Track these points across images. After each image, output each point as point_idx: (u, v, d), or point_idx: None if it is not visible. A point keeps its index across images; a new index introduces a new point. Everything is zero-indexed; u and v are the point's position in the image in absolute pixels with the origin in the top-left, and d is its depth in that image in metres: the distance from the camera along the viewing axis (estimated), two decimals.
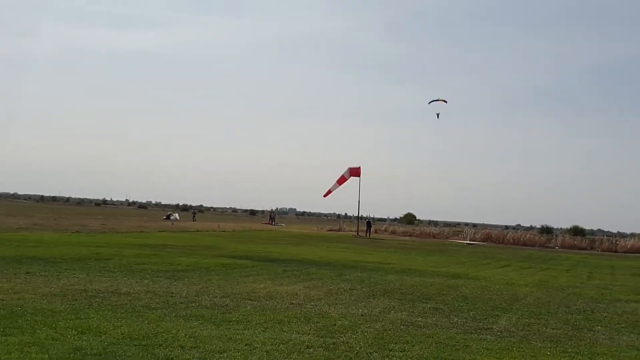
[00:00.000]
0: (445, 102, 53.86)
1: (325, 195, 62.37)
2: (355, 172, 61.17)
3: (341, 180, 61.90)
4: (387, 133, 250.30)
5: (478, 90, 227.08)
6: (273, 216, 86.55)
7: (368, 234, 57.67)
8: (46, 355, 6.89)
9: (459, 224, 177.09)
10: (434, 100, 54.70)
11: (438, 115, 52.91)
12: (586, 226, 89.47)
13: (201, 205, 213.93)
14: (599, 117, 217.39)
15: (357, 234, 59.70)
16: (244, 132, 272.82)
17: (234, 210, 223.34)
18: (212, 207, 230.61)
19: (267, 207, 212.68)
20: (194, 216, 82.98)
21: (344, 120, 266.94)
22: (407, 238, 59.98)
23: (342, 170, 62.33)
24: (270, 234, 50.70)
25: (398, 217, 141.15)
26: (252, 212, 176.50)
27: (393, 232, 67.37)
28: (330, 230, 67.98)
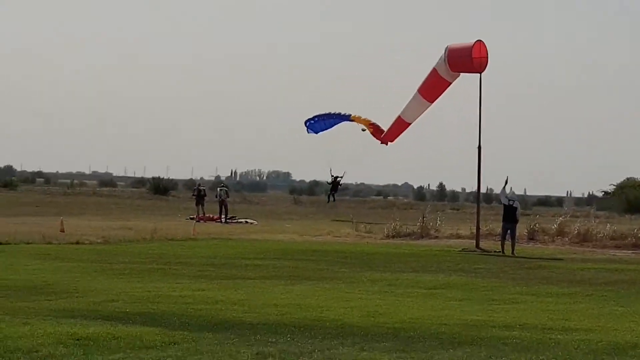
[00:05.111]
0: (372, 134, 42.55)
1: (385, 138, 35.25)
2: (463, 57, 28.91)
3: (429, 89, 30.14)
4: None
5: None
6: (223, 196, 46.02)
7: (510, 241, 30.48)
8: None
9: None
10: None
11: None
12: None
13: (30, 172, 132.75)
14: None
15: (478, 246, 32.47)
16: None
17: (105, 182, 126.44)
18: (43, 175, 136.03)
19: (205, 174, 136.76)
20: None
21: None
22: (631, 254, 33.20)
23: (429, 63, 30.23)
24: (217, 247, 28.72)
25: (601, 194, 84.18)
26: (159, 188, 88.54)
27: (585, 239, 37.89)
28: (393, 237, 40.00)
